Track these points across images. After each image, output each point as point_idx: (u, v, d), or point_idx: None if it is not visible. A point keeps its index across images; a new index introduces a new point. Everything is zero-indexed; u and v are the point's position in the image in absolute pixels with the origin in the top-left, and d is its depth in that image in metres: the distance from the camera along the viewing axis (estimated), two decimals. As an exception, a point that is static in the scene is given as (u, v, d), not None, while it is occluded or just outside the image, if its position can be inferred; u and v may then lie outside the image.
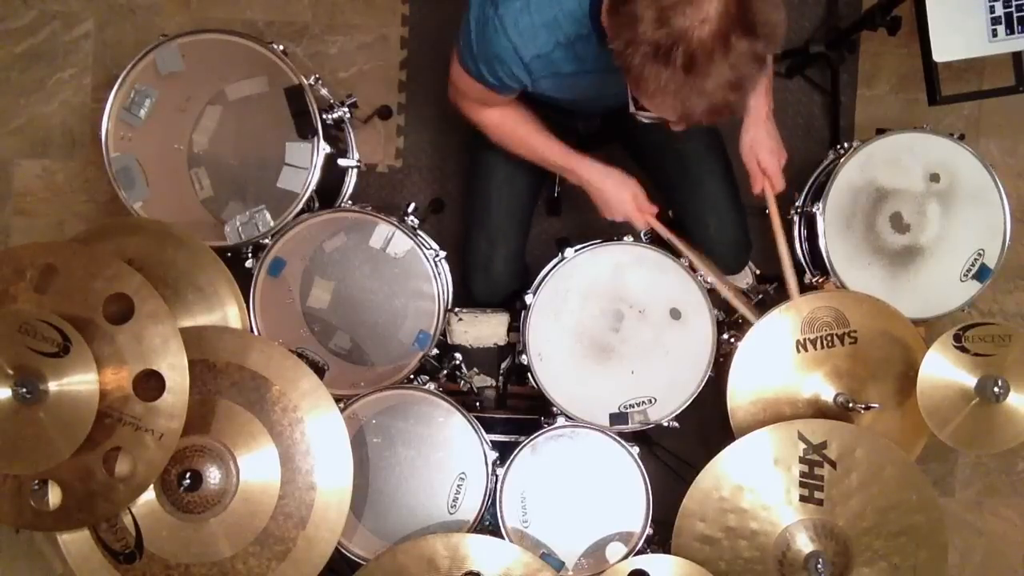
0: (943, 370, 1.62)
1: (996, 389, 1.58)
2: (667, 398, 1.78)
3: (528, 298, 1.76)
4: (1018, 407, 1.62)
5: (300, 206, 1.77)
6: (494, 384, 2.05)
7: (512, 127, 1.67)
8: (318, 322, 1.78)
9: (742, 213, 1.86)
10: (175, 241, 1.67)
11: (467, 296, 1.92)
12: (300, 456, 1.56)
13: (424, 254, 1.77)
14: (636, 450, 1.75)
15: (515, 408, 2.02)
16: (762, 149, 1.68)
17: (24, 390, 1.38)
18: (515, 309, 1.90)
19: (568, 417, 1.76)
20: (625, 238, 1.79)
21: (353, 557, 1.69)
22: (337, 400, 1.61)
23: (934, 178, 1.81)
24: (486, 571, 1.57)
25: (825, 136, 2.29)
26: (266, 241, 1.76)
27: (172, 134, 1.79)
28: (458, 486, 1.73)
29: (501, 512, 1.72)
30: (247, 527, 1.55)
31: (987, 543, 2.35)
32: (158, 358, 1.45)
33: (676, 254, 1.78)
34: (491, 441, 1.75)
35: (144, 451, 1.45)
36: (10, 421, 1.40)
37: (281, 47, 1.78)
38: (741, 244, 1.88)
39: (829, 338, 1.67)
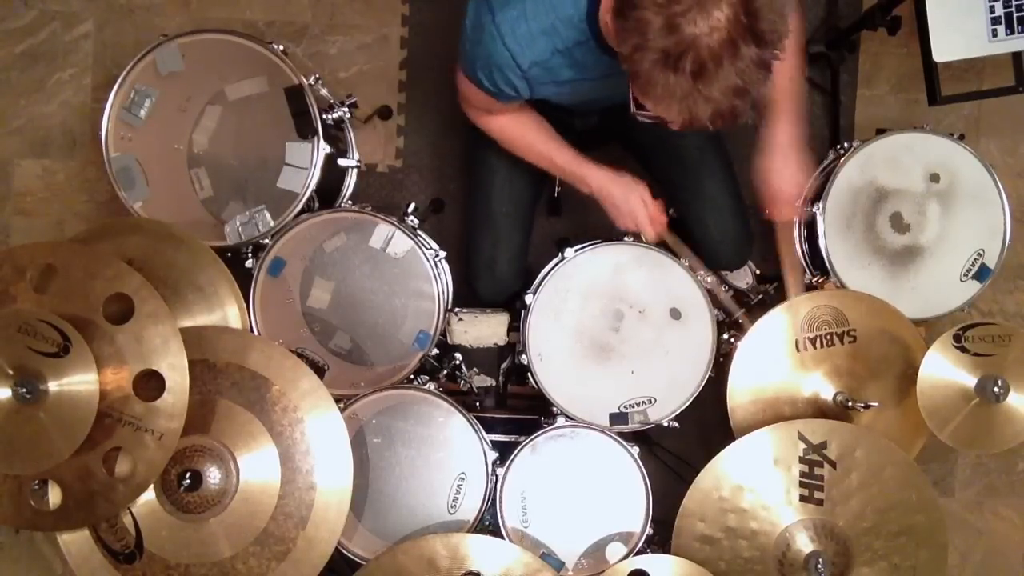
0: (943, 370, 1.62)
1: (996, 389, 1.58)
2: (667, 398, 1.78)
3: (528, 298, 1.76)
4: (1018, 407, 1.62)
5: (300, 206, 1.77)
6: (494, 384, 2.05)
7: (520, 134, 1.66)
8: (318, 322, 1.78)
9: (742, 208, 1.85)
10: (175, 241, 1.67)
11: (470, 296, 1.92)
12: (300, 456, 1.56)
13: (424, 254, 1.77)
14: (636, 450, 1.75)
15: (515, 408, 2.02)
16: (773, 176, 1.67)
17: (24, 390, 1.38)
18: (515, 309, 1.90)
19: (568, 417, 1.76)
20: (625, 238, 1.79)
21: (353, 557, 1.70)
22: (337, 400, 1.62)
23: (934, 178, 1.81)
24: (486, 571, 1.57)
25: (825, 136, 2.29)
26: (266, 241, 1.76)
27: (172, 134, 1.79)
28: (458, 486, 1.73)
29: (501, 512, 1.72)
30: (247, 527, 1.55)
31: (987, 543, 2.34)
32: (158, 358, 1.45)
33: (679, 256, 1.78)
34: (491, 441, 1.75)
35: (144, 451, 1.45)
36: (10, 421, 1.40)
37: (281, 47, 1.78)
38: (742, 239, 1.87)
39: (828, 337, 1.67)
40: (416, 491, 1.73)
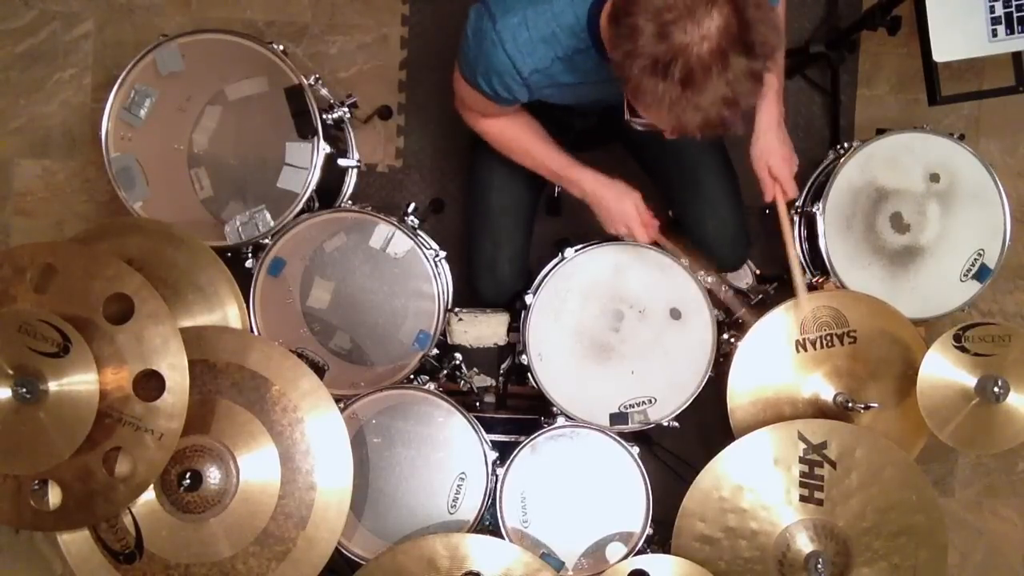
0: (943, 370, 1.62)
1: (996, 389, 1.58)
2: (667, 398, 1.78)
3: (528, 298, 1.76)
4: (1018, 407, 1.63)
5: (300, 206, 1.77)
6: (494, 384, 2.05)
7: (514, 137, 1.66)
8: (318, 322, 1.78)
9: (741, 210, 1.85)
10: (175, 241, 1.67)
11: (471, 296, 1.92)
12: (300, 456, 1.56)
13: (424, 254, 1.77)
14: (636, 450, 1.75)
15: (515, 408, 2.02)
16: (773, 156, 1.66)
17: (24, 390, 1.38)
18: (515, 309, 1.90)
19: (568, 417, 1.76)
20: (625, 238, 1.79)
21: (353, 557, 1.69)
22: (337, 400, 1.62)
23: (934, 178, 1.81)
24: (486, 571, 1.57)
25: (825, 136, 2.29)
26: (266, 241, 1.76)
27: (172, 134, 1.79)
28: (458, 486, 1.73)
29: (501, 512, 1.72)
30: (247, 527, 1.55)
31: (987, 543, 2.34)
32: (158, 358, 1.45)
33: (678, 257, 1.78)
34: (491, 441, 1.75)
35: (144, 451, 1.45)
36: (10, 421, 1.40)
37: (281, 47, 1.78)
38: (740, 241, 1.88)
39: (829, 338, 1.67)
40: (416, 491, 1.73)
